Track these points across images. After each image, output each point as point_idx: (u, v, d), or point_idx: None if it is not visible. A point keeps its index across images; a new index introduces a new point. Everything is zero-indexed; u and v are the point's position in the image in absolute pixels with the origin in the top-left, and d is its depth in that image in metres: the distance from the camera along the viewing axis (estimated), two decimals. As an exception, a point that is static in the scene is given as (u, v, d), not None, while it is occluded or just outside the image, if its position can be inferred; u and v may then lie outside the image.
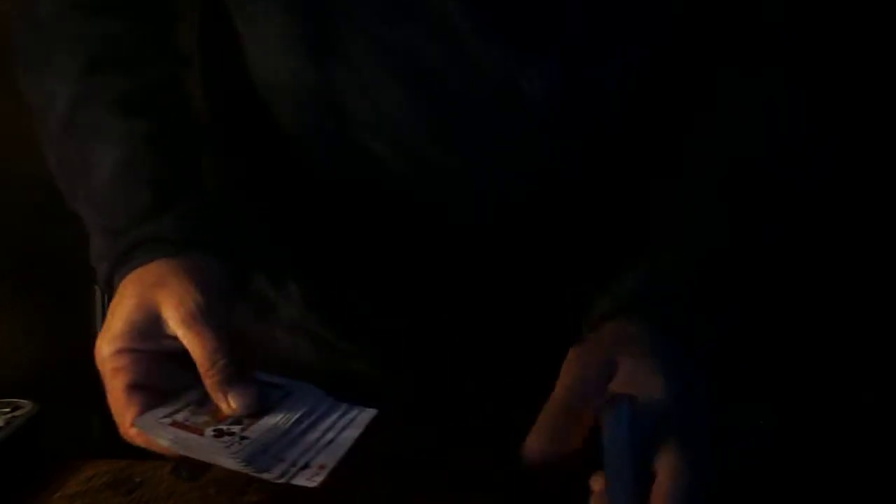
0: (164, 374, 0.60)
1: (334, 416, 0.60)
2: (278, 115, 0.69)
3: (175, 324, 0.59)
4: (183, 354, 0.59)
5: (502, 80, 0.64)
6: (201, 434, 0.57)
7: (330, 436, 0.58)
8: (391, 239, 0.70)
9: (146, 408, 0.59)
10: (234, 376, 0.58)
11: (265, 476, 0.55)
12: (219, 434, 0.57)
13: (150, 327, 0.60)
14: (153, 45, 0.69)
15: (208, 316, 0.59)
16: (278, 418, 0.59)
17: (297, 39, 0.65)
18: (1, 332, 1.33)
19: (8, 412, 0.65)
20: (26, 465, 0.63)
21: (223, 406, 0.59)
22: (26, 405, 0.66)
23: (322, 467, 0.56)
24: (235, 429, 0.58)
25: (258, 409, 0.59)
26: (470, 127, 0.65)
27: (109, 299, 0.64)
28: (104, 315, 0.61)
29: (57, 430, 0.68)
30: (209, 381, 0.58)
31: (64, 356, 1.38)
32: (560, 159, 0.67)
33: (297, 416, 0.59)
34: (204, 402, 0.60)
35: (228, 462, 0.55)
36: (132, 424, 0.58)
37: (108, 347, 0.60)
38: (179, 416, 0.59)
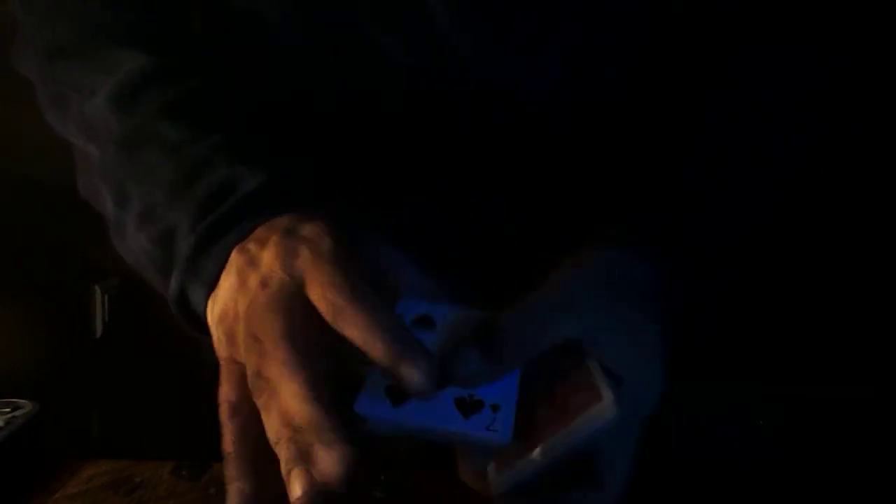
0: None
1: None
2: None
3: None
4: None
5: (497, 83, 0.64)
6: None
7: None
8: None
9: None
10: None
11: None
12: (462, 406, 0.49)
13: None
14: (183, 62, 0.67)
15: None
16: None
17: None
18: (1, 332, 1.33)
19: (8, 412, 0.65)
20: (26, 465, 0.63)
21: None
22: (26, 405, 0.66)
23: None
24: (477, 394, 0.49)
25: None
26: (463, 131, 0.66)
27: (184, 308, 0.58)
28: (104, 315, 0.60)
29: (57, 430, 0.68)
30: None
31: (64, 356, 1.38)
32: (558, 157, 0.67)
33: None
34: (423, 321, 0.52)
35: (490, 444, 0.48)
36: None
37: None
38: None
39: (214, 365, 0.68)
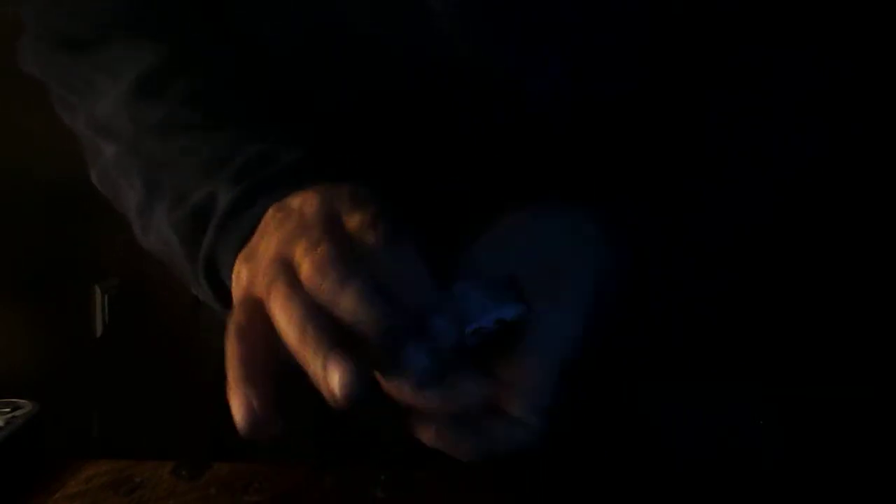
0: None
1: None
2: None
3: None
4: None
5: (497, 83, 0.64)
6: None
7: None
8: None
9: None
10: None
11: None
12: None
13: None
14: (198, 54, 0.68)
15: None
16: None
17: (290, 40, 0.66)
18: (1, 332, 1.33)
19: (8, 412, 0.65)
20: (26, 465, 0.63)
21: None
22: (26, 405, 0.66)
23: None
24: None
25: None
26: (460, 130, 0.66)
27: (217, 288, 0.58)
28: (104, 315, 0.60)
29: (57, 430, 0.68)
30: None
31: (64, 356, 1.39)
32: (558, 157, 0.67)
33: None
34: None
35: None
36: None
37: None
38: None
39: (215, 363, 0.68)
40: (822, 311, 0.75)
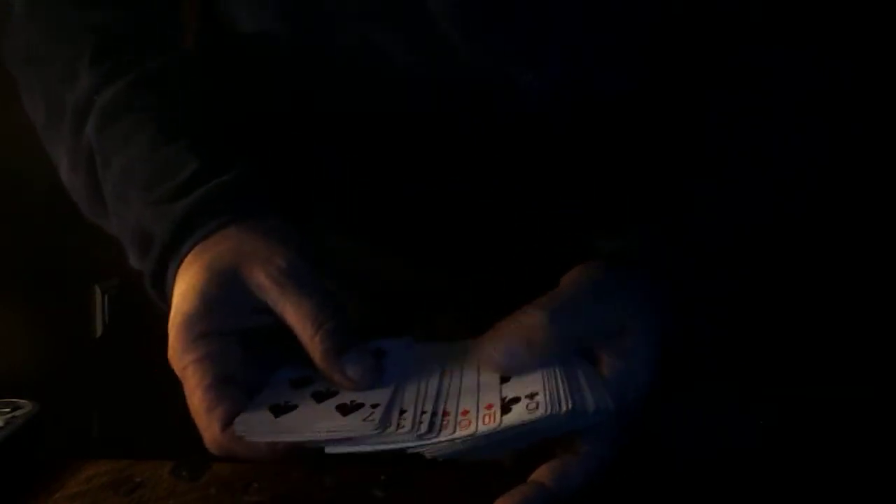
0: (251, 362, 0.53)
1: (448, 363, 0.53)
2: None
3: (266, 287, 0.52)
4: (272, 334, 0.52)
5: (497, 83, 0.64)
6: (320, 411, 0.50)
7: (457, 381, 0.52)
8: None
9: (240, 405, 0.50)
10: (346, 341, 0.51)
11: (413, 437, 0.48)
12: (343, 410, 0.50)
13: (233, 300, 0.52)
14: (158, 33, 0.68)
15: (302, 275, 0.52)
16: (394, 380, 0.52)
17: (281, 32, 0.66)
18: (1, 332, 1.33)
19: (8, 412, 0.65)
20: (26, 465, 0.63)
21: (336, 378, 0.51)
22: (26, 405, 0.66)
23: (466, 412, 0.49)
24: (360, 398, 0.50)
25: (377, 380, 0.51)
26: (460, 130, 0.66)
27: (166, 299, 0.58)
28: (104, 315, 0.60)
29: (57, 430, 0.68)
30: (318, 350, 0.51)
31: (64, 356, 1.38)
32: (557, 157, 0.67)
33: (412, 372, 0.52)
34: (304, 381, 0.53)
35: (365, 432, 0.48)
36: (226, 426, 0.50)
37: (186, 334, 0.51)
38: (281, 402, 0.51)
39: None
40: (822, 312, 0.75)
